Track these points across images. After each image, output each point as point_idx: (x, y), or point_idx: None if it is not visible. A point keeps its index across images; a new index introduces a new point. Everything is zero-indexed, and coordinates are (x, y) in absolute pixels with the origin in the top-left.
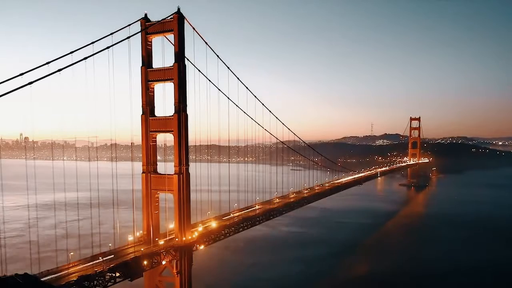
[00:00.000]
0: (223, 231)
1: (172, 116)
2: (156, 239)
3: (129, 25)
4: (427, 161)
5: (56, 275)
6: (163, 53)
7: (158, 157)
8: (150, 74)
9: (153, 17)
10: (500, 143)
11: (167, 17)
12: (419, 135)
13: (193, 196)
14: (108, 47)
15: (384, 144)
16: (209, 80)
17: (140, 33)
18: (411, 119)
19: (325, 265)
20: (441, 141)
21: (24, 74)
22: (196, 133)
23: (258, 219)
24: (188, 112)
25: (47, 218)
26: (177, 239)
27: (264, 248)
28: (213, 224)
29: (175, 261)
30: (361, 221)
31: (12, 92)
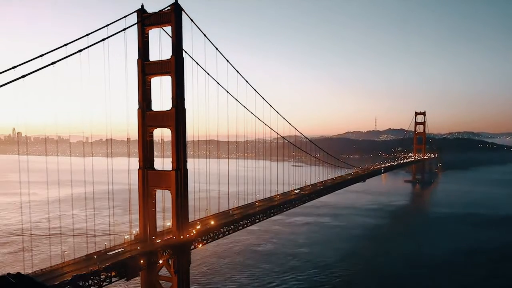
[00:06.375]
0: (222, 229)
1: (169, 110)
2: (153, 237)
3: (125, 16)
4: (433, 157)
5: (50, 274)
6: (160, 46)
7: (155, 153)
8: (146, 67)
9: (150, 8)
10: (508, 138)
11: (164, 8)
12: (424, 130)
13: (191, 193)
14: (103, 39)
15: (388, 139)
16: (208, 74)
17: (136, 25)
18: (416, 113)
19: (326, 265)
20: (447, 136)
21: (17, 67)
22: (194, 128)
23: (258, 216)
24: (186, 107)
25: (40, 215)
26: (174, 238)
27: (265, 247)
28: (212, 222)
29: (172, 260)
30: (362, 219)
31: (4, 86)
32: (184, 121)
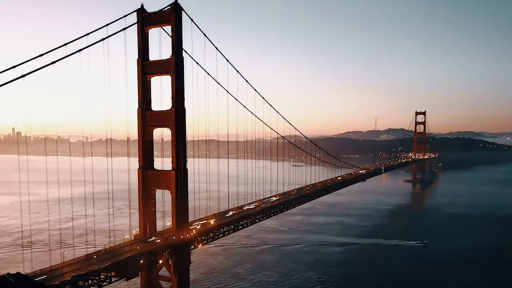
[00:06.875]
0: (221, 229)
1: (169, 110)
2: (153, 237)
3: (125, 16)
4: (433, 156)
5: (50, 274)
6: (160, 45)
7: (155, 153)
8: (146, 67)
9: (150, 8)
10: (508, 138)
11: (164, 8)
12: (424, 130)
13: (191, 193)
14: (103, 39)
15: (389, 139)
16: (208, 73)
17: (136, 25)
18: (417, 113)
19: (326, 264)
20: (447, 136)
21: (17, 67)
22: (194, 128)
23: (258, 216)
24: (186, 106)
25: (40, 215)
26: (174, 237)
27: (264, 246)
28: (212, 222)
29: (172, 260)
30: (362, 219)
31: (4, 86)
32: (184, 121)
